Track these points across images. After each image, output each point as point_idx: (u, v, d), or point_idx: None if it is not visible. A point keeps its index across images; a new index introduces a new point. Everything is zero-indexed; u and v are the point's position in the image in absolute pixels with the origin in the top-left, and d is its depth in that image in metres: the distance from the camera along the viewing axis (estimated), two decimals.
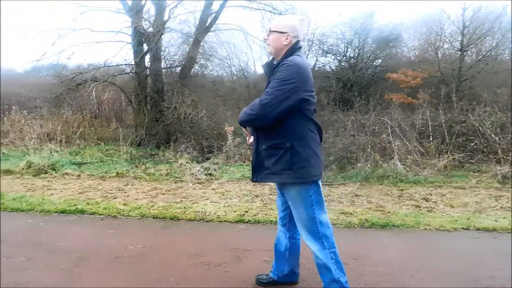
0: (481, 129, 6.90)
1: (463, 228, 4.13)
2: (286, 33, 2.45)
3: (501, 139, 6.62)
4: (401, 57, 13.82)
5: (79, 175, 6.72)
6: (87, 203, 5.10)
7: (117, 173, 6.70)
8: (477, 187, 5.67)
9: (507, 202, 4.97)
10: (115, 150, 8.48)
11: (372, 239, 3.92)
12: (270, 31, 2.51)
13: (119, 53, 13.20)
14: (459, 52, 10.97)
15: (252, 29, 18.25)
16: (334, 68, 13.91)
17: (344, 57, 13.52)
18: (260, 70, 14.46)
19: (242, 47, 11.92)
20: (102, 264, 3.38)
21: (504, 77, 9.34)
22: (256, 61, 12.35)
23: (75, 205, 5.03)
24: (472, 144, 6.79)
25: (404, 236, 4.00)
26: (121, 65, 9.93)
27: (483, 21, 10.60)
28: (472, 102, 8.02)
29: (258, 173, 2.59)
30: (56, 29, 9.26)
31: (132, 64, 9.79)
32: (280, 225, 2.85)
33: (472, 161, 6.68)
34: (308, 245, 2.57)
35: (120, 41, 9.47)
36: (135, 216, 4.66)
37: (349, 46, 13.36)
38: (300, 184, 2.47)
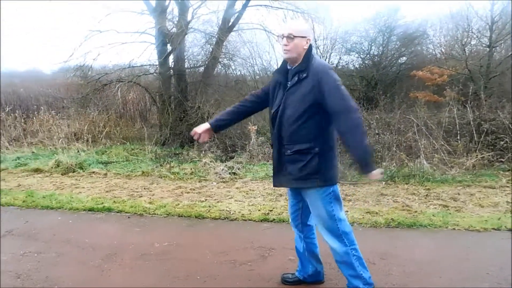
0: (511, 126, 6.68)
1: (493, 229, 4.01)
2: (306, 37, 2.44)
3: None
4: (427, 54, 13.48)
5: (105, 174, 6.88)
6: (114, 201, 5.21)
7: (143, 172, 6.82)
8: (507, 187, 5.49)
9: None
10: (140, 149, 8.62)
11: (399, 239, 3.86)
12: (293, 36, 2.39)
13: (143, 54, 13.37)
14: (488, 48, 10.63)
15: (275, 28, 18.23)
16: (357, 66, 13.71)
17: (368, 55, 13.31)
18: None
19: (265, 46, 11.91)
20: (130, 261, 3.46)
21: None
22: (278, 60, 12.29)
23: (102, 203, 5.15)
24: (502, 142, 6.58)
25: (432, 236, 3.92)
26: (145, 65, 10.09)
27: None
28: (502, 99, 7.77)
29: (280, 178, 2.60)
30: (82, 30, 9.50)
31: (156, 65, 9.93)
32: (294, 226, 2.85)
33: (502, 160, 6.47)
34: (328, 243, 2.59)
35: (144, 42, 9.62)
36: (161, 215, 4.73)
37: (373, 44, 13.14)
38: (324, 186, 2.49)
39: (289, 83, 2.48)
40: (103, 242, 3.87)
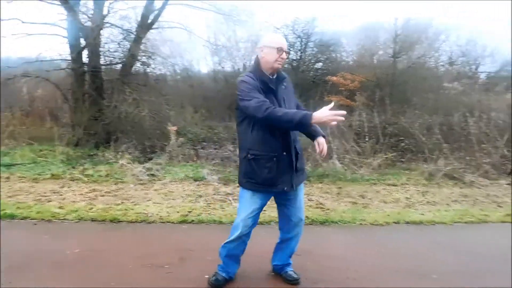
0: (411, 130, 7.44)
1: (394, 222, 4.46)
2: None
3: (428, 140, 7.19)
4: (340, 61, 14.43)
5: (8, 177, 6.24)
6: (18, 207, 4.76)
7: (52, 175, 6.32)
8: (407, 184, 6.11)
9: (432, 197, 5.42)
10: (50, 151, 7.98)
11: (313, 235, 4.07)
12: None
13: (53, 47, 12.51)
14: (392, 59, 11.70)
15: (196, 28, 18.12)
16: None
17: (287, 60, 13.85)
18: (204, 70, 14.42)
19: (186, 46, 11.79)
20: (37, 271, 3.20)
21: (431, 83, 10.14)
22: (200, 61, 12.28)
23: (4, 209, 4.67)
24: (403, 144, 7.31)
25: (341, 231, 4.22)
26: (56, 60, 9.39)
27: (412, 31, 11.42)
28: (404, 105, 8.62)
29: (294, 179, 2.74)
30: None
31: (68, 60, 9.27)
32: (248, 232, 2.82)
33: (403, 160, 7.18)
34: (300, 235, 2.97)
35: (55, 35, 8.94)
36: (72, 220, 4.44)
37: (291, 49, 13.71)
38: None
39: (277, 92, 2.67)
40: (4, 253, 3.53)
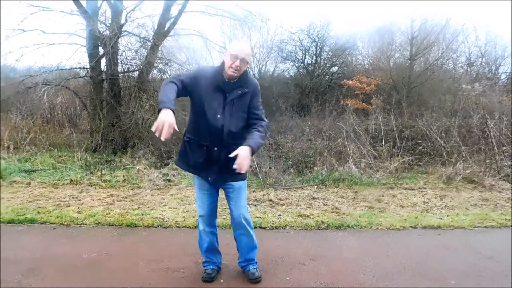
0: (428, 133, 7.31)
1: (411, 227, 4.38)
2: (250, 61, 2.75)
3: (446, 143, 7.05)
4: (356, 64, 14.31)
5: (29, 183, 6.41)
6: (38, 212, 4.88)
7: (71, 180, 6.46)
8: (424, 188, 6.00)
9: (450, 201, 5.31)
10: (69, 157, 8.15)
11: (328, 240, 4.05)
12: (246, 61, 2.68)
13: (72, 56, 12.82)
14: (409, 61, 11.55)
15: (212, 34, 18.34)
16: (292, 74, 14.20)
17: (302, 64, 13.83)
18: None
19: (202, 52, 11.89)
20: (54, 274, 3.27)
21: (448, 85, 9.97)
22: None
23: (24, 214, 4.80)
24: (420, 147, 7.19)
25: (358, 236, 4.17)
26: (75, 68, 9.57)
27: (429, 32, 11.26)
28: (421, 108, 8.49)
29: (224, 176, 2.84)
30: (3, 29, 8.80)
31: (87, 68, 9.47)
32: (210, 226, 3.03)
33: (420, 163, 7.06)
34: (248, 228, 2.98)
35: (74, 44, 9.15)
36: (90, 224, 4.52)
37: (306, 53, 13.69)
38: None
39: (228, 94, 2.73)
40: (24, 256, 3.62)
